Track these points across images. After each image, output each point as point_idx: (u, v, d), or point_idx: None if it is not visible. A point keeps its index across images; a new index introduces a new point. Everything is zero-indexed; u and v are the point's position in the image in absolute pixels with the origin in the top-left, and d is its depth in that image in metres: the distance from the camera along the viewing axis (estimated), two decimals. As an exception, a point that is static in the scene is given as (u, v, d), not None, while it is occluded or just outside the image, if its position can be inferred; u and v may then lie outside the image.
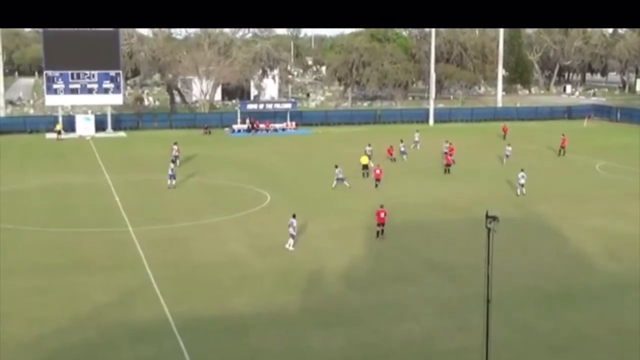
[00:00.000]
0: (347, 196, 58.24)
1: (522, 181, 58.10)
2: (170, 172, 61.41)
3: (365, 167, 65.99)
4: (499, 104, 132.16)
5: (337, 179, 60.79)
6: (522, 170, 59.09)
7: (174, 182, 60.91)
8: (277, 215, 51.65)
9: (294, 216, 43.86)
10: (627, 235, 47.04)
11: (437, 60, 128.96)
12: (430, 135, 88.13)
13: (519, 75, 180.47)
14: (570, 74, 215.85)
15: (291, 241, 43.24)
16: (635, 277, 38.48)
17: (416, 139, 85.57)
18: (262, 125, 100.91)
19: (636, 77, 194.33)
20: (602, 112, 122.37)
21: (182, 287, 37.04)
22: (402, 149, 77.73)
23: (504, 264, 38.18)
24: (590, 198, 58.74)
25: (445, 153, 72.82)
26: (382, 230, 45.74)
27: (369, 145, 72.49)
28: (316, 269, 40.02)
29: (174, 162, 65.99)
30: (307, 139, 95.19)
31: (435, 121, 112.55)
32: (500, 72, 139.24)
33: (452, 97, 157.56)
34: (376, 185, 61.26)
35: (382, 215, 45.67)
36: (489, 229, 25.99)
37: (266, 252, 43.11)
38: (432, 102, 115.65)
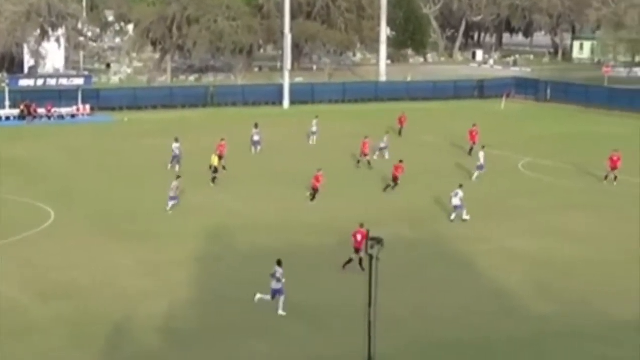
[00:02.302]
0: (170, 214, 57.88)
1: (456, 202, 56.33)
2: None
3: (216, 170, 65.34)
4: (383, 78, 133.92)
5: (171, 197, 59.22)
6: (460, 186, 57.45)
7: None
8: (65, 241, 51.08)
9: (279, 263, 40.93)
10: (560, 262, 48.42)
11: (294, 16, 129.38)
12: (288, 123, 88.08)
13: (409, 36, 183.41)
14: (482, 35, 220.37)
15: (268, 297, 41.53)
16: (572, 322, 39.51)
17: (382, 145, 78.97)
18: (41, 110, 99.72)
19: (572, 39, 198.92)
20: (527, 87, 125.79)
21: None
22: (256, 137, 77.91)
23: (395, 306, 38.65)
24: (512, 209, 60.11)
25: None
26: (361, 259, 45.02)
27: (177, 140, 71.87)
28: (123, 317, 39.73)
29: None
30: (107, 130, 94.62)
31: (292, 102, 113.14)
32: (384, 32, 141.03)
33: (315, 67, 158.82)
34: (392, 187, 63.79)
35: (359, 237, 45.04)
36: (371, 257, 26.16)
37: (51, 294, 42.53)
38: (287, 75, 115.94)
